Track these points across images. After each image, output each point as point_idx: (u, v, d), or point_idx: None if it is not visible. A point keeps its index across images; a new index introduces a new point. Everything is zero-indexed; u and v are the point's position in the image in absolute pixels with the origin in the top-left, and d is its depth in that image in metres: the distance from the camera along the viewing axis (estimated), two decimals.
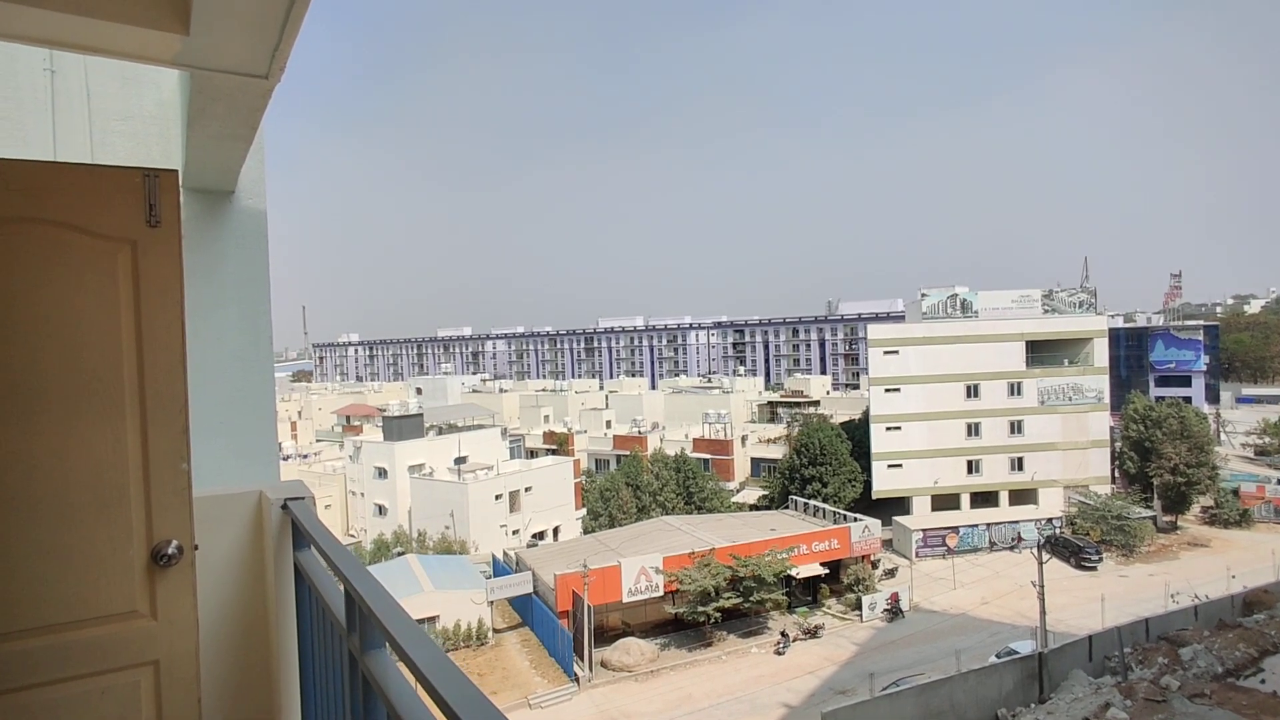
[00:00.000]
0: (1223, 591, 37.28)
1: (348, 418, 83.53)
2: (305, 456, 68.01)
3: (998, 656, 31.34)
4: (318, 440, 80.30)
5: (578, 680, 32.90)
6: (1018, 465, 54.61)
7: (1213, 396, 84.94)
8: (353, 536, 54.85)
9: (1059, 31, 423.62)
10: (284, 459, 64.71)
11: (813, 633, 37.21)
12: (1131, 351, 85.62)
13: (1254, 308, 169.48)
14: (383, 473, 52.42)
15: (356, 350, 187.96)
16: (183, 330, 2.14)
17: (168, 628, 2.14)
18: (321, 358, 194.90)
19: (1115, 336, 69.74)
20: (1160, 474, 51.82)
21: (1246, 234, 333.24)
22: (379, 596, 1.70)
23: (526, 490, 50.37)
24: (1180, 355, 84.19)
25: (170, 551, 2.13)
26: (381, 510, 52.25)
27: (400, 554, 44.26)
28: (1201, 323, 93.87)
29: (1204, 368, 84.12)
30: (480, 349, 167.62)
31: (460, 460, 52.48)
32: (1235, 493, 53.93)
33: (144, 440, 2.09)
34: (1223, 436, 74.10)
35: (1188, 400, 66.37)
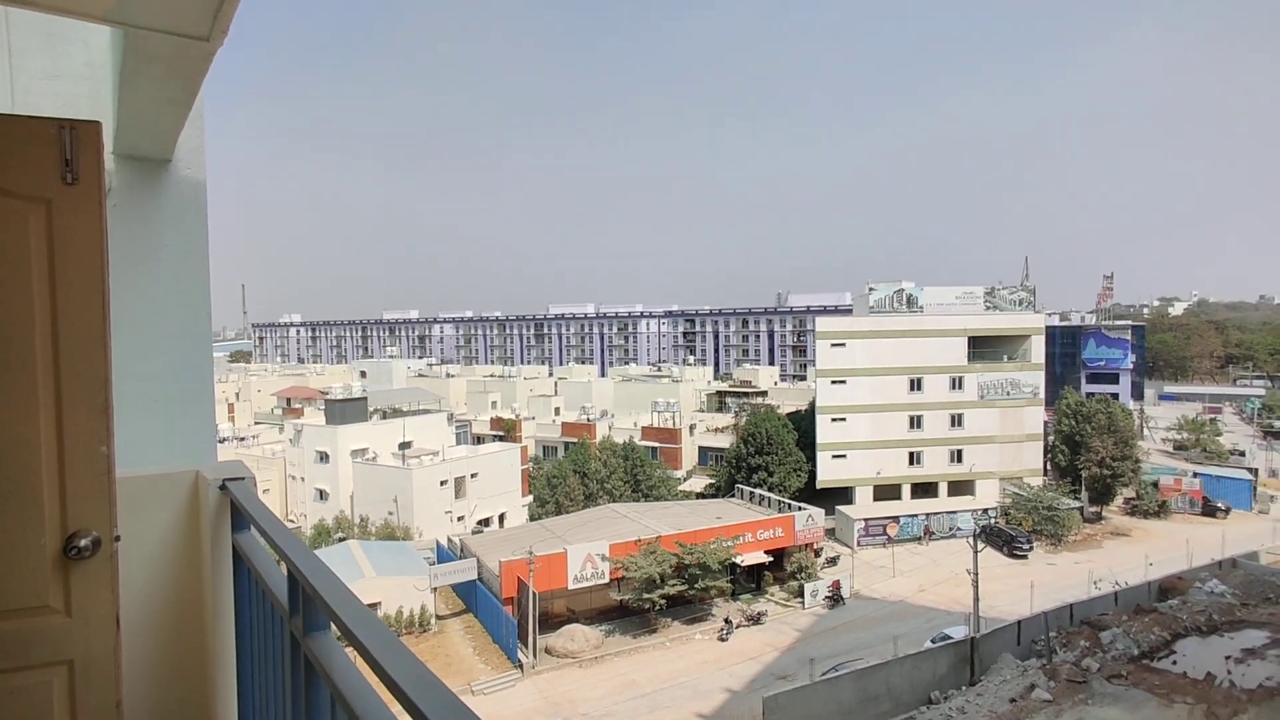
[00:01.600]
0: (1141, 578, 39.21)
1: (288, 400, 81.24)
2: (243, 439, 65.92)
3: (933, 642, 32.37)
4: (256, 423, 77.90)
5: (522, 667, 32.82)
6: (957, 457, 56.32)
7: (1138, 394, 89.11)
8: (292, 522, 53.48)
9: (1007, 28, 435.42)
10: (220, 442, 62.62)
11: (756, 619, 37.83)
12: (1066, 349, 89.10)
13: (1177, 310, 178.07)
14: (324, 457, 51.19)
15: (299, 331, 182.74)
16: (104, 300, 1.97)
17: (83, 625, 1.98)
18: (261, 338, 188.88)
19: (1051, 334, 72.40)
20: (1089, 467, 54.10)
21: (1172, 238, 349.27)
22: (324, 577, 1.63)
23: (473, 476, 49.83)
24: (1110, 354, 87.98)
25: (84, 543, 1.96)
26: (323, 495, 51.07)
27: (342, 539, 43.36)
28: (1129, 323, 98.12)
29: (1130, 366, 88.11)
30: (427, 332, 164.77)
31: (405, 445, 51.59)
32: (1155, 485, 56.72)
33: (59, 421, 1.90)
34: (1146, 432, 77.82)
35: (1115, 397, 69.46)
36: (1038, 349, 58.42)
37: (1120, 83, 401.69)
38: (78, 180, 1.96)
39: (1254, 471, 63.52)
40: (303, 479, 52.85)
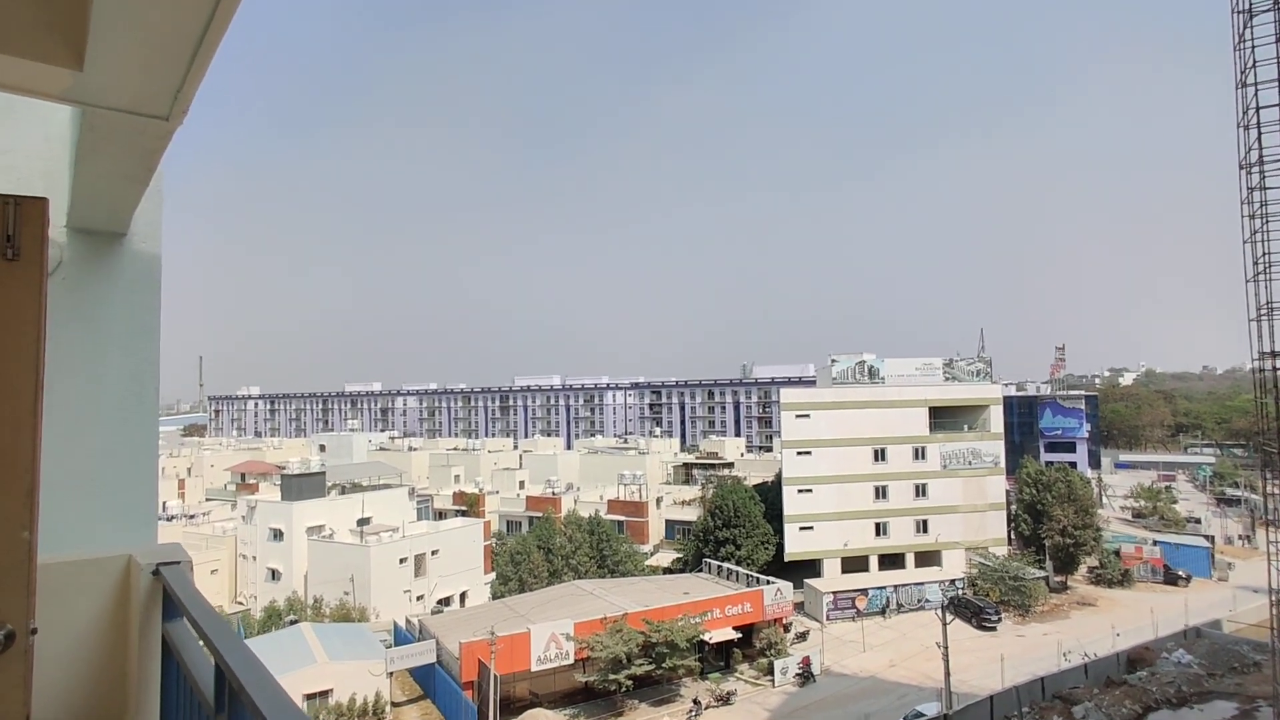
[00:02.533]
0: (1109, 649, 39.14)
1: (243, 475, 78.71)
2: (192, 517, 63.39)
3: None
4: (207, 499, 75.08)
5: None
6: (922, 528, 56.37)
7: (1094, 462, 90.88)
8: (240, 604, 50.99)
9: (961, 102, 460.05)
10: (168, 519, 60.10)
11: (725, 699, 36.65)
12: (1023, 419, 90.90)
13: (1127, 379, 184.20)
14: (278, 534, 49.28)
15: (257, 404, 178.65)
16: (38, 380, 1.90)
17: None
18: (218, 411, 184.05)
19: (1009, 404, 74.04)
20: (1051, 535, 54.52)
21: (1119, 310, 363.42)
22: (252, 671, 1.53)
23: (433, 553, 48.31)
24: (1066, 423, 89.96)
25: None
26: (275, 575, 48.91)
27: (294, 622, 41.35)
28: (1083, 393, 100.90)
29: (1086, 435, 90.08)
30: (390, 405, 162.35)
31: (363, 521, 50.03)
32: (1117, 553, 57.26)
33: None
34: (1104, 500, 79.01)
35: (1073, 465, 70.66)
36: (996, 419, 59.54)
37: (1068, 155, 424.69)
38: (18, 256, 1.91)
39: (1210, 539, 64.63)
40: (254, 558, 50.66)
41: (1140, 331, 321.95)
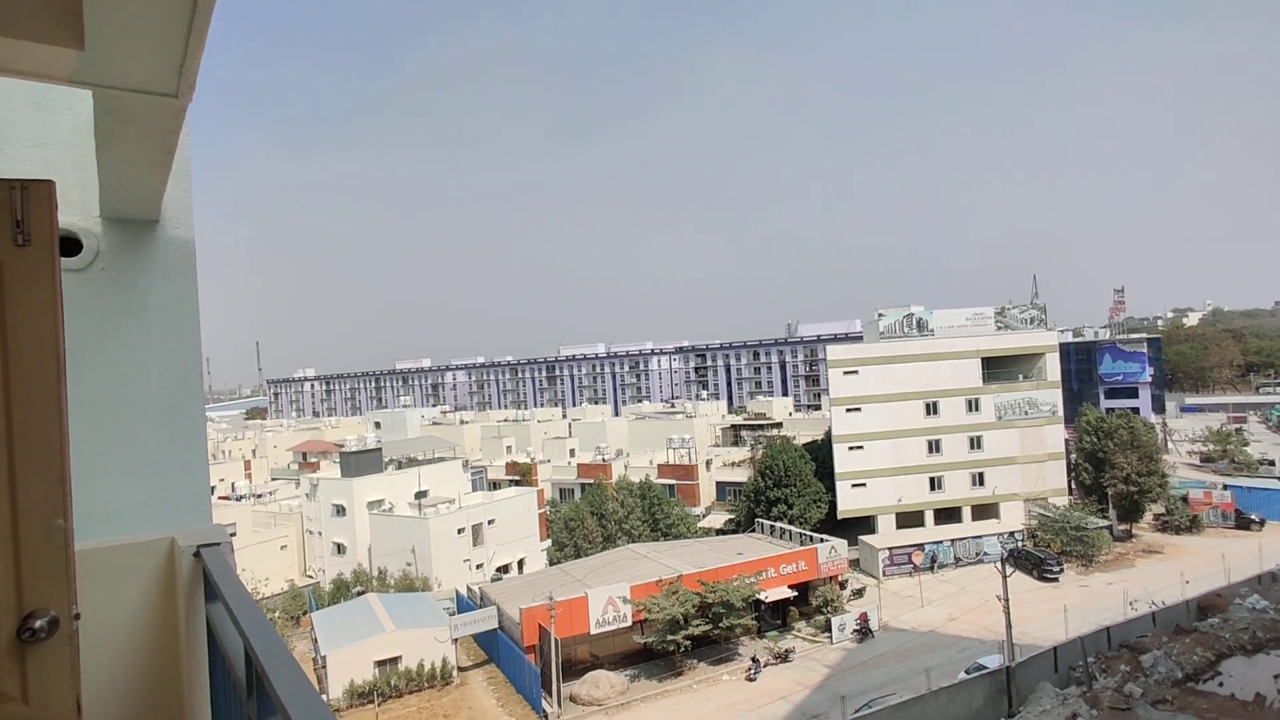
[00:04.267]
0: (1178, 597, 38.07)
1: (304, 455, 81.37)
2: (260, 496, 65.92)
3: (967, 673, 31.42)
4: (273, 479, 77.96)
5: (547, 716, 32.07)
6: (979, 480, 55.40)
7: (1158, 407, 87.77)
8: (310, 577, 53.12)
9: (1015, 43, 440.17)
10: (238, 499, 62.60)
11: (783, 657, 36.93)
12: (1081, 365, 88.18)
13: (1192, 320, 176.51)
14: (341, 510, 50.99)
15: (313, 385, 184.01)
16: (59, 365, 1.87)
17: (41, 711, 1.84)
18: (277, 394, 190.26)
19: (1065, 351, 71.67)
20: (1114, 484, 53.04)
21: (1182, 248, 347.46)
22: (276, 656, 1.50)
23: (490, 523, 49.43)
24: (1127, 368, 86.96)
25: (38, 624, 1.82)
26: (340, 549, 50.75)
27: (360, 593, 42.94)
28: (1144, 336, 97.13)
29: (1149, 379, 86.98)
30: (440, 380, 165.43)
31: (421, 495, 51.34)
32: (1184, 499, 55.43)
33: (11, 495, 1.77)
34: (1170, 445, 76.43)
35: (1135, 411, 68.34)
36: (1053, 366, 57.79)
37: (1124, 91, 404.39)
38: (29, 241, 1.88)
39: None
40: (320, 533, 52.61)
41: (1205, 268, 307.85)
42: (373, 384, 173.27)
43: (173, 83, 2.56)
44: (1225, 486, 57.82)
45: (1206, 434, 76.93)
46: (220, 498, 61.29)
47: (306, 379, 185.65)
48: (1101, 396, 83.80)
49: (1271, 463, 70.41)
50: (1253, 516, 54.59)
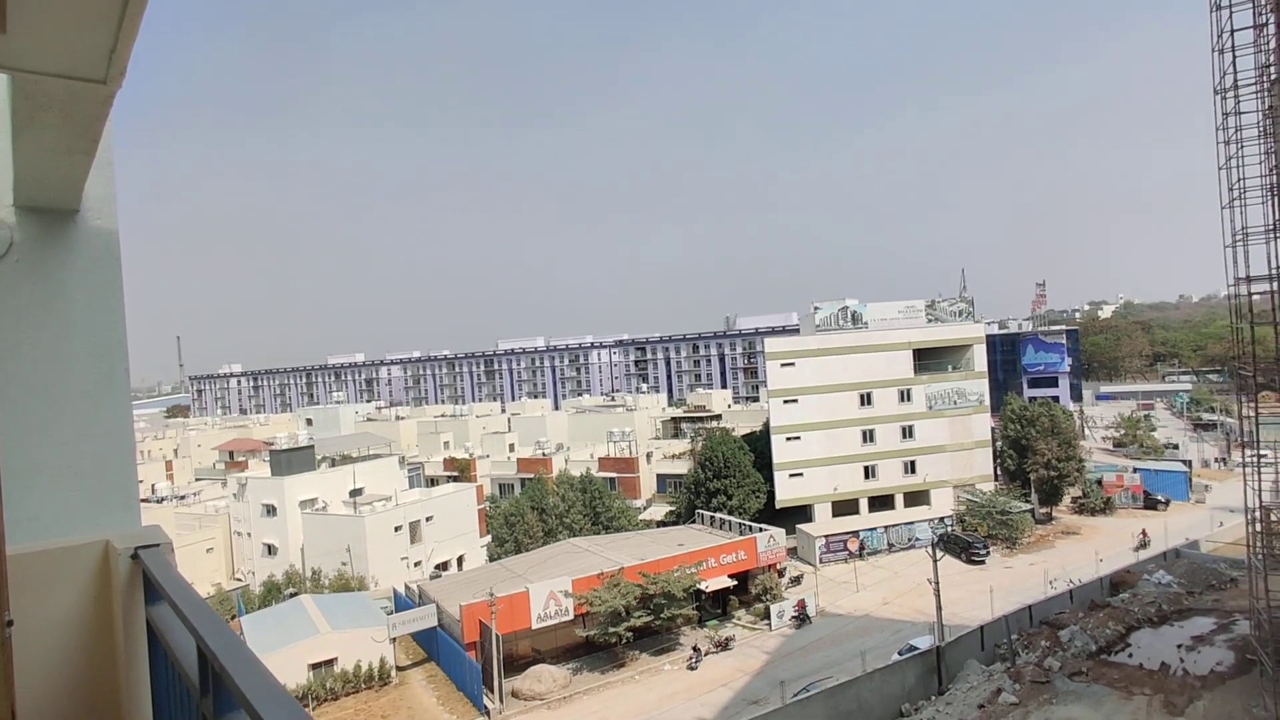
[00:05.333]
0: (1093, 574, 40.31)
1: (231, 454, 78.44)
2: (183, 497, 63.27)
3: (900, 654, 32.54)
4: (197, 479, 74.89)
5: (488, 713, 31.85)
6: (910, 468, 57.30)
7: (1076, 395, 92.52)
8: (239, 580, 51.31)
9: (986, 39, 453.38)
10: (159, 501, 59.95)
11: (724, 645, 37.54)
12: (1006, 356, 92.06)
13: (1106, 312, 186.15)
14: (271, 510, 49.35)
15: (239, 382, 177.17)
16: None
17: None
18: (200, 391, 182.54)
19: (992, 343, 74.73)
20: (1036, 469, 55.64)
21: (1099, 243, 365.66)
22: (234, 653, 1.49)
23: (427, 520, 48.62)
24: (1047, 358, 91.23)
25: None
26: (271, 550, 49.13)
27: (293, 595, 41.72)
28: (1063, 328, 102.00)
29: (1068, 369, 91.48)
30: (375, 375, 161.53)
31: (356, 493, 50.14)
32: (1099, 483, 58.63)
33: None
34: (1087, 431, 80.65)
35: (1056, 399, 71.90)
36: (980, 357, 60.12)
37: (1051, 91, 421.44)
38: None
39: (1188, 463, 66.31)
40: (249, 534, 50.79)
41: (1119, 264, 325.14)
42: (304, 380, 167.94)
43: (101, 68, 2.45)
44: (1135, 470, 61.39)
45: (1119, 420, 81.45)
46: (140, 500, 58.51)
47: (232, 375, 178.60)
48: (1025, 385, 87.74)
49: (1175, 446, 75.11)
50: (1159, 497, 58.15)
